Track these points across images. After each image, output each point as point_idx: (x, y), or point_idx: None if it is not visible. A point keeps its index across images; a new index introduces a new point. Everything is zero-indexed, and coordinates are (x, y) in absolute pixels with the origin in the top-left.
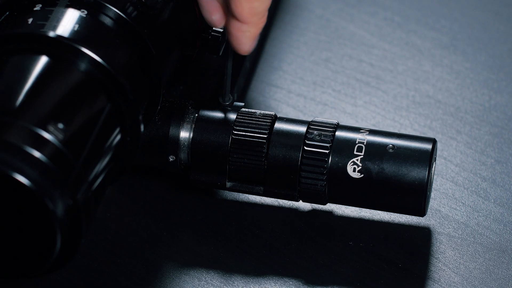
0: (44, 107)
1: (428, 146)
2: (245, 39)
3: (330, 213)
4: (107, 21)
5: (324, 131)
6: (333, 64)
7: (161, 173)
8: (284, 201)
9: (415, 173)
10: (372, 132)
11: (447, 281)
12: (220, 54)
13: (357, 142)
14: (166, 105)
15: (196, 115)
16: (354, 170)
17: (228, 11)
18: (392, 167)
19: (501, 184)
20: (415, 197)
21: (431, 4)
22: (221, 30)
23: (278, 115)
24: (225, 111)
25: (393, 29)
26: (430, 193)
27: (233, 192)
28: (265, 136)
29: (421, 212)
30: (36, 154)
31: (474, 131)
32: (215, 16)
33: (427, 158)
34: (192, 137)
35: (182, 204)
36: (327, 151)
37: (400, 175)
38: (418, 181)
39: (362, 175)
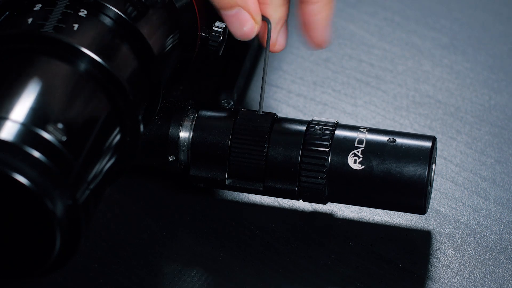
0: (43, 107)
1: (428, 143)
2: (319, 24)
3: (330, 213)
4: (107, 21)
5: (324, 129)
6: (333, 64)
7: (161, 173)
8: (284, 201)
9: (415, 168)
10: (372, 130)
11: (447, 281)
12: (220, 54)
13: (357, 137)
14: (166, 105)
15: (196, 115)
16: (355, 162)
17: None
18: (393, 159)
19: (501, 184)
20: (415, 193)
21: (431, 4)
22: (221, 30)
23: (278, 115)
24: (225, 111)
25: (393, 29)
26: (430, 192)
27: (233, 192)
28: (265, 135)
29: (422, 209)
30: (36, 154)
31: (474, 131)
32: (246, 27)
33: (427, 154)
34: (192, 137)
35: (182, 204)
36: (327, 144)
37: (401, 167)
38: (418, 177)
39: (363, 166)
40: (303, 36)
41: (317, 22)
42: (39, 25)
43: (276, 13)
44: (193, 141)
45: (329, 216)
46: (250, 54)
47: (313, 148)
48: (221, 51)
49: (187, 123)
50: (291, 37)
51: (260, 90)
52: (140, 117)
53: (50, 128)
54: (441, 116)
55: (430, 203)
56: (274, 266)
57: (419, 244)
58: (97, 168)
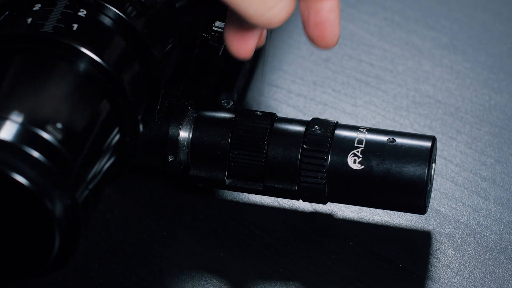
0: (43, 107)
1: (428, 143)
2: (333, 21)
3: (330, 213)
4: (107, 21)
5: (324, 129)
6: (333, 64)
7: (161, 173)
8: (284, 201)
9: (415, 168)
10: (372, 130)
11: (447, 281)
12: (220, 54)
13: (357, 137)
14: (165, 105)
15: (196, 115)
16: (354, 162)
17: None
18: (392, 159)
19: (501, 184)
20: (415, 193)
21: (431, 4)
22: (221, 30)
23: (278, 115)
24: (224, 111)
25: (393, 29)
26: (430, 192)
27: (233, 192)
28: (265, 135)
29: (421, 209)
30: (35, 154)
31: (474, 131)
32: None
33: (426, 154)
34: (192, 137)
35: (182, 204)
36: (327, 144)
37: (401, 167)
38: (418, 177)
39: (363, 166)
40: (311, 35)
41: (331, 20)
42: (39, 25)
43: None
44: (192, 141)
45: (329, 216)
46: None
47: (313, 148)
48: (221, 51)
49: (187, 123)
50: (291, 37)
51: (259, 89)
52: (139, 117)
53: (49, 128)
54: (441, 116)
55: (430, 203)
56: (274, 266)
57: (419, 244)
58: (96, 168)
